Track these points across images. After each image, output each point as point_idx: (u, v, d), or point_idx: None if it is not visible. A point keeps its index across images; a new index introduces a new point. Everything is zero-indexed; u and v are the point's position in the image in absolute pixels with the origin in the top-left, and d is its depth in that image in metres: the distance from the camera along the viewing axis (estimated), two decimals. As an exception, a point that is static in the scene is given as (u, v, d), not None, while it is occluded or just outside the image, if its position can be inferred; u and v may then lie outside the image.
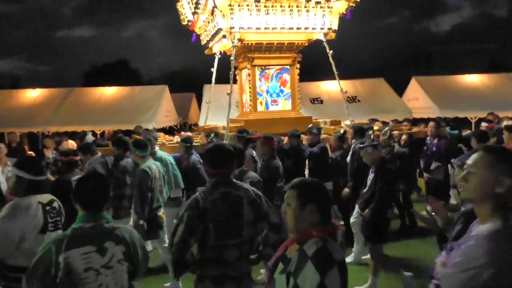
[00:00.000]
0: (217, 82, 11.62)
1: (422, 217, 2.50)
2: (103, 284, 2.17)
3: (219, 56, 10.75)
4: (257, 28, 8.10)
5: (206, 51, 10.84)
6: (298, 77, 9.57)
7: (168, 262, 4.84)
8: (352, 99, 13.68)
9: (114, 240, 2.24)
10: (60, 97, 13.49)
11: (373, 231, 4.64)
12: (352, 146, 6.36)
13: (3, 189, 5.89)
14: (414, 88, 15.00)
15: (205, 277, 2.58)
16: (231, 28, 7.97)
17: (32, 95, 13.79)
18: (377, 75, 16.03)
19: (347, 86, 14.51)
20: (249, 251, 2.66)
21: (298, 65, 9.50)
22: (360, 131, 6.69)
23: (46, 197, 3.07)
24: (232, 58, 8.10)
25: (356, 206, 5.52)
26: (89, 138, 9.13)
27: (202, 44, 10.53)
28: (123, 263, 2.25)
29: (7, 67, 59.27)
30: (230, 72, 8.15)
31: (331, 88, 13.82)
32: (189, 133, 8.49)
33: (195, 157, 6.21)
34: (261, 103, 9.29)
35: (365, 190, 4.93)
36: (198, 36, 10.64)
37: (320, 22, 8.66)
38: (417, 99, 14.57)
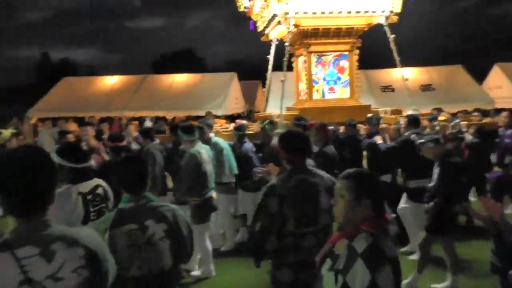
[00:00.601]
0: (276, 69, 11.44)
1: (478, 214, 2.26)
2: (145, 261, 2.24)
3: (276, 42, 10.59)
4: (314, 13, 7.83)
5: (262, 38, 10.70)
6: (357, 64, 9.14)
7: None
8: (426, 88, 13.07)
9: (154, 219, 2.29)
10: (135, 83, 14.15)
11: (438, 224, 4.41)
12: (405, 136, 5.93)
13: None
14: (496, 76, 14.04)
15: (283, 265, 2.57)
16: (286, 13, 7.74)
17: (110, 81, 14.53)
18: (453, 62, 15.15)
19: (420, 73, 14.04)
20: (324, 238, 2.57)
21: (357, 51, 9.07)
22: (414, 121, 6.13)
23: (89, 185, 2.94)
24: (287, 44, 7.90)
25: (403, 196, 5.40)
26: (148, 123, 9.48)
27: (258, 31, 10.41)
28: (165, 240, 2.29)
29: (83, 57, 63.69)
30: (284, 59, 7.98)
31: (404, 75, 13.28)
32: (244, 121, 8.49)
33: (248, 145, 6.17)
34: (317, 90, 8.99)
35: (430, 185, 4.71)
36: (255, 23, 10.58)
37: (381, 5, 8.22)
38: (501, 87, 13.59)
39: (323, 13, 7.81)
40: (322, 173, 2.76)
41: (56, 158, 2.87)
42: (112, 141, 5.07)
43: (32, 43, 68.37)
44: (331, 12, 7.86)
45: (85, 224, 2.85)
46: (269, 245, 2.53)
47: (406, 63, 9.09)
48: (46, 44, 67.52)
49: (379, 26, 8.74)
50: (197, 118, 10.50)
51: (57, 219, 2.68)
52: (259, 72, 14.47)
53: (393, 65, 13.77)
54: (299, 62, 9.93)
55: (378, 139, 6.29)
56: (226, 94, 12.94)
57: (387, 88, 13.16)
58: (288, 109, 9.69)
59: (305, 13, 7.74)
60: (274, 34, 10.16)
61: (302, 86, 9.66)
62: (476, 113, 9.08)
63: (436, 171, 4.69)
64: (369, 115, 7.41)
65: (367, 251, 1.67)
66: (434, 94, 12.94)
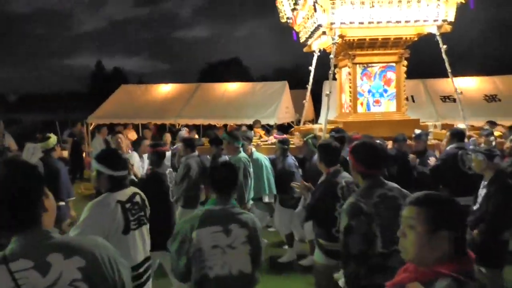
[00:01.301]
0: (317, 80, 11.19)
1: None
2: (227, 263, 2.35)
3: (318, 54, 10.31)
4: (360, 23, 7.35)
5: (305, 49, 10.40)
6: (405, 76, 8.53)
7: None
8: (491, 98, 12.25)
9: (238, 223, 2.41)
10: (189, 91, 14.29)
11: (487, 255, 3.82)
12: (446, 151, 5.45)
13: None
14: None
15: (372, 287, 2.42)
16: (332, 23, 7.33)
17: (165, 89, 14.80)
18: None
19: (484, 83, 13.16)
20: None
21: (405, 62, 8.47)
22: (458, 134, 5.70)
23: (126, 193, 2.87)
24: (332, 56, 7.48)
25: None
26: (183, 133, 9.51)
27: (301, 41, 10.20)
28: (246, 245, 2.39)
29: (134, 65, 66.26)
30: (330, 71, 7.67)
31: (464, 85, 12.14)
32: (284, 135, 8.28)
33: (291, 159, 5.92)
34: (361, 103, 8.49)
35: (475, 207, 4.15)
36: (297, 33, 10.39)
37: (433, 14, 7.56)
38: None
39: (370, 23, 7.30)
40: (393, 184, 2.60)
41: (95, 164, 2.88)
42: (153, 146, 4.80)
43: (87, 52, 72.22)
44: (379, 22, 7.38)
45: (127, 233, 2.78)
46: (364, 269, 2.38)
47: (465, 72, 8.54)
48: (100, 53, 71.29)
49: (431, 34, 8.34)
50: (250, 126, 10.45)
51: (96, 229, 2.59)
52: (307, 82, 14.44)
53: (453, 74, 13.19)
54: (343, 74, 9.56)
55: (432, 161, 5.84)
56: (278, 102, 12.71)
57: (448, 99, 12.31)
58: (330, 122, 9.38)
59: (351, 23, 7.30)
60: (317, 45, 9.85)
61: (346, 98, 9.31)
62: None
63: (482, 192, 4.14)
64: (417, 130, 6.98)
65: None
66: (500, 105, 12.05)
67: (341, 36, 7.57)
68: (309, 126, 9.29)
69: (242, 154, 5.01)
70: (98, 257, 1.47)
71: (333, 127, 8.07)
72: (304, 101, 10.99)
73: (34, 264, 1.36)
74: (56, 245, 1.42)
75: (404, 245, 1.54)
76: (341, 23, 7.32)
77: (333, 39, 7.40)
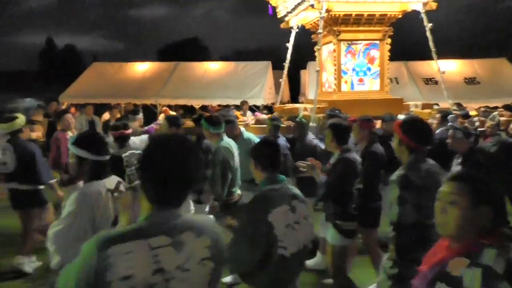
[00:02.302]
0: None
1: None
2: (297, 240, 2.27)
3: (297, 30, 9.95)
4: None
5: (282, 25, 9.86)
6: (389, 54, 8.18)
7: None
8: (470, 81, 12.22)
9: (298, 199, 2.34)
10: (168, 70, 13.45)
11: None
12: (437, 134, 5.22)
13: None
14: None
15: (412, 261, 2.32)
16: None
17: (141, 68, 13.87)
18: (495, 55, 14.28)
19: (463, 66, 13.10)
20: None
21: (389, 40, 8.10)
22: (448, 117, 5.61)
23: (113, 181, 2.52)
24: (320, 31, 7.12)
25: None
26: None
27: (279, 17, 9.66)
28: (308, 219, 2.35)
29: (87, 44, 62.77)
30: (318, 47, 7.33)
31: (445, 68, 11.74)
32: (263, 115, 7.93)
33: (282, 141, 5.60)
34: (346, 82, 8.06)
35: None
36: (274, 8, 9.94)
37: None
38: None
39: None
40: (432, 161, 2.64)
41: (75, 150, 2.44)
42: (116, 129, 4.39)
43: (36, 29, 67.63)
44: None
45: (115, 225, 2.38)
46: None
47: (446, 54, 8.55)
48: (50, 31, 66.78)
49: (415, 13, 8.18)
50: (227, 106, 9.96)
51: (85, 222, 2.25)
52: (272, 62, 14.06)
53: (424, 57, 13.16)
54: (323, 51, 9.30)
55: None
56: (263, 83, 12.16)
57: (430, 81, 12.22)
58: (310, 101, 9.10)
59: None
60: (296, 20, 9.46)
61: (327, 77, 9.04)
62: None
63: (456, 168, 4.18)
64: (401, 116, 6.78)
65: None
66: (478, 88, 12.05)
67: (327, 11, 7.24)
68: (293, 105, 8.99)
69: (224, 142, 4.31)
70: (218, 237, 1.49)
71: (317, 106, 7.84)
72: (280, 79, 10.65)
73: (171, 241, 1.36)
74: (187, 224, 1.42)
75: (443, 220, 1.54)
76: None
77: (320, 13, 6.99)
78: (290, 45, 9.68)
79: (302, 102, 10.82)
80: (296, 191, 2.42)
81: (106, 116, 9.97)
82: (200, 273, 1.40)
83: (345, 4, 7.27)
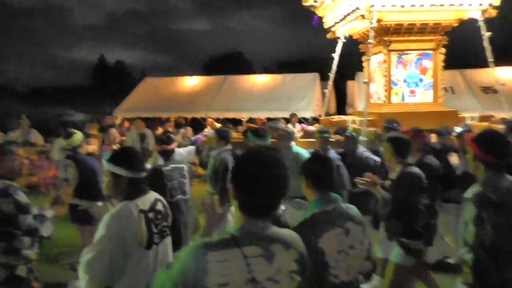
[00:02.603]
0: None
1: None
2: (350, 265, 2.06)
3: (344, 40, 9.74)
4: (402, 6, 6.63)
5: (329, 35, 9.66)
6: (443, 64, 7.74)
7: None
8: None
9: (353, 221, 2.12)
10: (217, 84, 13.70)
11: None
12: None
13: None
14: None
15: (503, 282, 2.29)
16: (371, 6, 6.59)
17: (191, 82, 14.20)
18: None
19: None
20: None
21: (443, 50, 7.67)
22: None
23: (148, 199, 2.35)
24: (370, 41, 6.96)
25: None
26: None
27: (325, 27, 9.57)
28: (363, 243, 2.13)
29: (135, 58, 65.48)
30: (367, 58, 7.13)
31: (506, 76, 11.19)
32: (311, 127, 7.77)
33: (333, 153, 5.42)
34: (396, 93, 7.71)
35: None
36: (320, 19, 9.79)
37: None
38: None
39: (412, 6, 6.57)
40: (510, 177, 2.45)
41: (110, 167, 2.31)
42: (161, 143, 4.30)
43: (87, 45, 71.48)
44: (422, 5, 6.63)
45: (149, 248, 2.25)
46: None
47: (507, 61, 8.01)
48: (101, 46, 70.31)
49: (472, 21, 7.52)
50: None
51: (116, 246, 2.11)
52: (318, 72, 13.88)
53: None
54: (372, 62, 9.06)
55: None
56: (312, 95, 11.98)
57: (489, 90, 11.42)
58: (359, 113, 8.84)
59: (393, 6, 6.60)
60: (343, 31, 9.29)
61: (376, 88, 8.77)
62: None
63: None
64: (457, 128, 6.36)
65: None
66: None
67: (378, 21, 7.00)
68: (341, 117, 8.75)
69: None
70: (304, 252, 1.50)
71: (365, 119, 7.58)
72: (325, 90, 10.45)
73: (263, 252, 1.37)
74: (277, 235, 1.44)
75: None
76: (382, 5, 6.57)
77: (371, 23, 6.75)
78: (336, 56, 9.47)
79: (349, 114, 10.54)
80: (352, 211, 2.19)
81: (159, 130, 10.18)
82: (288, 286, 1.40)
83: (397, 14, 6.99)
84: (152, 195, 2.41)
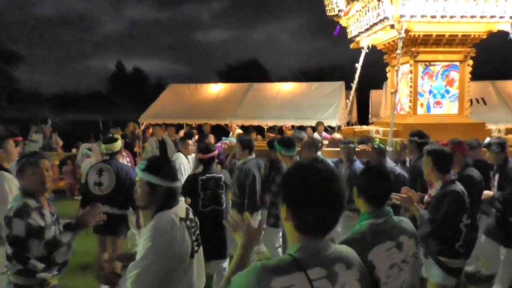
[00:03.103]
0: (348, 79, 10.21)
1: None
2: (403, 281, 1.95)
3: (367, 51, 9.64)
4: (432, 17, 6.46)
5: (352, 45, 9.56)
6: (470, 76, 7.55)
7: None
8: None
9: (406, 234, 2.01)
10: (241, 91, 13.63)
11: None
12: None
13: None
14: None
15: None
16: (401, 16, 6.45)
17: (215, 89, 14.18)
18: None
19: None
20: None
21: (470, 62, 7.47)
22: None
23: (182, 208, 2.31)
24: (398, 52, 6.57)
25: None
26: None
27: (349, 37, 9.52)
28: (417, 256, 2.04)
29: (153, 67, 66.31)
30: (396, 68, 7.04)
31: None
32: (338, 135, 7.69)
33: (359, 164, 5.37)
34: (421, 104, 7.53)
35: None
36: (343, 28, 9.74)
37: (510, 9, 6.58)
38: None
39: (443, 17, 6.41)
40: None
41: (146, 176, 2.20)
42: (198, 152, 4.25)
43: (108, 54, 72.67)
44: (452, 17, 6.48)
45: (192, 257, 2.20)
46: None
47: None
48: (120, 55, 71.31)
49: (501, 33, 7.19)
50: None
51: (167, 258, 2.03)
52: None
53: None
54: (395, 72, 8.98)
55: None
56: (338, 103, 11.72)
57: None
58: (381, 124, 8.73)
59: (422, 16, 6.45)
60: (367, 41, 9.22)
61: (399, 98, 8.67)
62: None
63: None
64: (488, 138, 6.23)
65: None
66: None
67: (406, 31, 6.91)
68: (364, 128, 8.66)
69: None
70: (364, 270, 1.45)
71: (389, 129, 7.48)
72: (347, 100, 10.38)
73: (326, 273, 1.30)
74: (337, 254, 1.37)
75: None
76: (411, 16, 6.42)
77: (399, 33, 6.59)
78: (359, 66, 9.41)
79: (371, 124, 10.43)
80: (405, 224, 2.07)
81: (181, 134, 10.18)
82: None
83: (426, 24, 6.85)
84: (183, 204, 2.36)
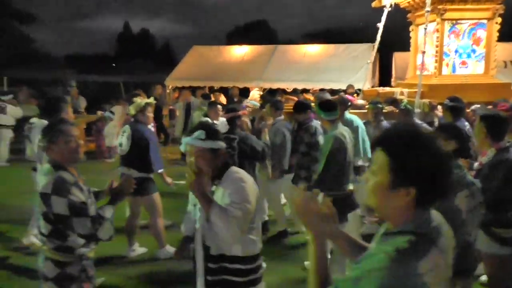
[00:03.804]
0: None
1: None
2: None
3: (389, 9, 9.40)
4: None
5: (374, 4, 9.27)
6: (498, 34, 7.27)
7: None
8: None
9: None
10: (267, 53, 13.21)
11: None
12: None
13: None
14: None
15: None
16: None
17: (240, 51, 13.75)
18: None
19: None
20: None
21: (499, 20, 7.13)
22: None
23: None
24: (427, 9, 6.16)
25: None
26: (255, 94, 8.82)
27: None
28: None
29: (159, 28, 65.26)
30: (424, 26, 6.83)
31: None
32: (361, 100, 7.62)
33: (387, 124, 5.38)
34: (447, 64, 7.31)
35: None
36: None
37: None
38: None
39: None
40: None
41: (210, 144, 2.19)
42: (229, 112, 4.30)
43: (112, 14, 71.40)
44: None
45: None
46: None
47: None
48: (125, 15, 69.88)
49: None
50: (336, 91, 9.44)
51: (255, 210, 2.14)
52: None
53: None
54: (419, 31, 8.66)
55: None
56: (367, 65, 10.72)
57: None
58: (404, 85, 8.60)
59: None
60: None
61: (423, 59, 8.46)
62: None
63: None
64: None
65: None
66: None
67: (433, -12, 6.65)
68: (388, 89, 8.55)
69: (338, 131, 3.78)
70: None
71: (413, 90, 7.40)
72: (368, 61, 10.21)
73: (445, 242, 1.18)
74: (440, 225, 1.22)
75: None
76: None
77: None
78: (381, 25, 9.13)
79: (394, 86, 10.27)
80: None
81: (198, 96, 10.14)
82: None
83: (454, -20, 6.65)
84: None
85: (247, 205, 2.12)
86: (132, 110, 4.28)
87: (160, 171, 4.32)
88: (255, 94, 11.33)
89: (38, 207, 2.32)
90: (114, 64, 28.01)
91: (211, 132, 2.22)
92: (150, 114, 4.31)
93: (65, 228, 2.25)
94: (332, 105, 3.91)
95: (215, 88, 12.46)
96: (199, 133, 2.21)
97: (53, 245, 2.31)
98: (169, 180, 4.45)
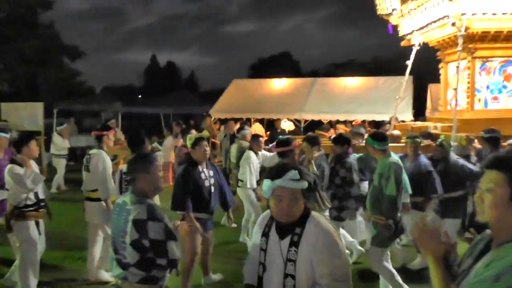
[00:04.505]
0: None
1: None
2: None
3: (418, 47, 9.72)
4: (493, 14, 6.47)
5: (403, 43, 9.65)
6: None
7: None
8: None
9: None
10: (306, 86, 13.48)
11: None
12: None
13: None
14: None
15: None
16: (462, 14, 6.45)
17: (279, 84, 14.09)
18: None
19: None
20: None
21: None
22: None
23: None
24: (459, 48, 6.36)
25: None
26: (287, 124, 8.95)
27: (400, 35, 9.67)
28: None
29: (184, 60, 67.62)
30: (456, 65, 7.11)
31: None
32: (397, 131, 7.81)
33: (425, 158, 4.94)
34: (479, 100, 7.46)
35: None
36: (394, 26, 9.84)
37: None
38: None
39: (504, 14, 6.40)
40: None
41: (303, 184, 2.03)
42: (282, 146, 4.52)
43: (139, 47, 74.76)
44: None
45: None
46: None
47: None
48: (153, 48, 73.21)
49: None
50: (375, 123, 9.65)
51: None
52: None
53: None
54: (449, 68, 8.94)
55: None
56: (408, 97, 11.34)
57: None
58: (436, 119, 8.77)
59: (484, 14, 6.47)
60: (420, 38, 9.29)
61: (454, 94, 8.65)
62: None
63: None
64: None
65: None
66: None
67: (466, 29, 6.93)
68: (416, 124, 8.74)
69: (393, 158, 4.01)
70: None
71: (446, 125, 7.57)
72: (397, 97, 10.44)
73: None
74: None
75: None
76: (472, 13, 6.39)
77: (459, 31, 6.63)
78: (409, 63, 9.47)
79: (427, 119, 10.41)
80: None
81: (236, 127, 10.29)
82: None
83: (485, 21, 6.87)
84: None
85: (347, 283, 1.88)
86: (188, 143, 4.29)
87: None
88: (288, 125, 11.59)
89: (117, 237, 2.27)
90: (139, 96, 28.75)
91: (302, 171, 1.98)
92: (207, 147, 4.30)
93: (157, 255, 2.19)
94: (384, 136, 4.07)
95: (252, 120, 12.63)
96: (294, 173, 1.92)
97: (136, 279, 2.22)
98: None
